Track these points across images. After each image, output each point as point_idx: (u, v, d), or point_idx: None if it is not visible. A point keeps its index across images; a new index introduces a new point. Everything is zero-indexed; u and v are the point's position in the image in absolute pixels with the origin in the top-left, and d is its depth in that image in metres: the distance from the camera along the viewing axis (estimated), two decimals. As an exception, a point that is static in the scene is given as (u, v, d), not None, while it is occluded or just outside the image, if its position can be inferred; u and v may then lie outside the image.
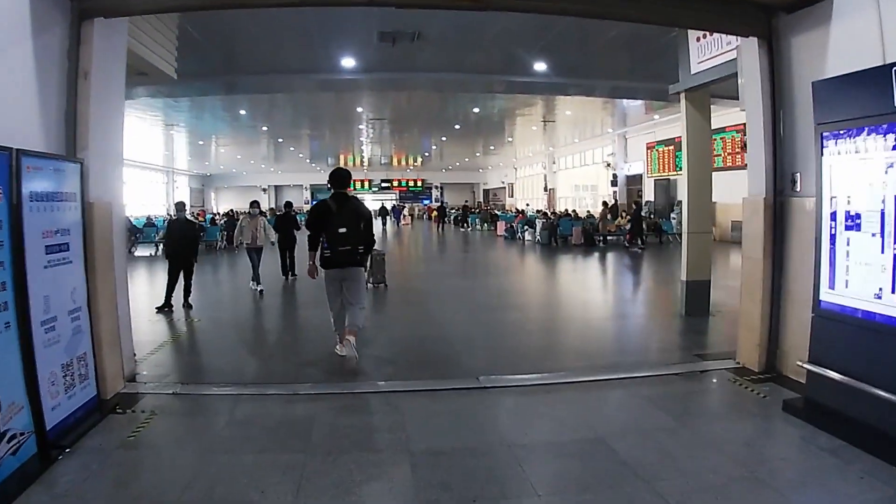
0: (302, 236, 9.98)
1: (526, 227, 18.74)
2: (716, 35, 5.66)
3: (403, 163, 36.76)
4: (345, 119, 19.25)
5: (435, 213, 31.38)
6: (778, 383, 4.17)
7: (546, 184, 32.41)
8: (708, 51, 5.87)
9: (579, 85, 9.17)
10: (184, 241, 7.27)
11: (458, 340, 5.77)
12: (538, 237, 17.21)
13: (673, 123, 18.96)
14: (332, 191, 4.75)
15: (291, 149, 28.39)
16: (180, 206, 7.50)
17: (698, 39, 6.02)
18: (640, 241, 15.48)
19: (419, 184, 46.05)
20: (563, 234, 16.82)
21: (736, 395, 4.07)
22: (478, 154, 32.77)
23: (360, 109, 17.33)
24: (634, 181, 23.14)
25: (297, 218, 10.55)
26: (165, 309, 7.04)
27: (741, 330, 4.74)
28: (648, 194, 21.57)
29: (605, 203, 17.48)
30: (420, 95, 15.06)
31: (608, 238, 16.77)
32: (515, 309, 7.57)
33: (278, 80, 9.05)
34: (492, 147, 29.37)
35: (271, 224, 9.87)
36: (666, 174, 20.23)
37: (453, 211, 33.84)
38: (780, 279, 4.44)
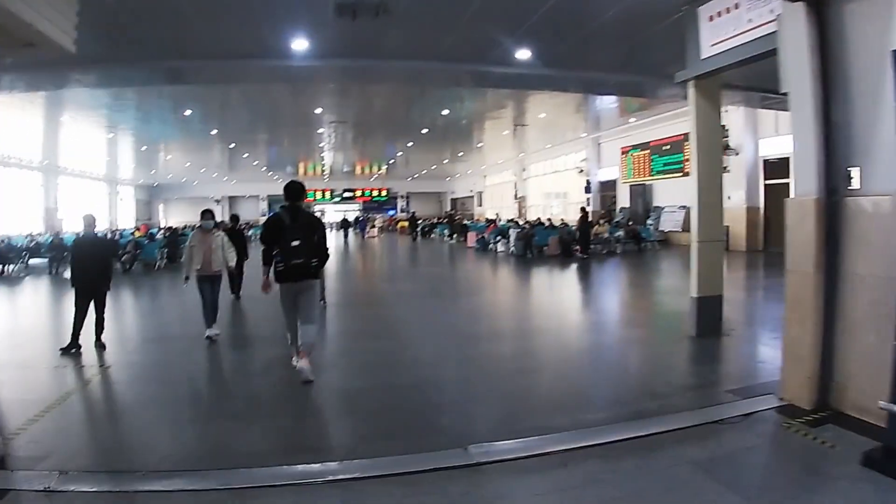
0: (252, 252, 8.78)
1: (499, 238, 17.86)
2: (734, 12, 4.88)
3: (367, 171, 35.39)
4: (303, 122, 17.91)
5: (406, 224, 30.07)
6: (838, 425, 3.49)
7: (517, 191, 31.74)
8: (723, 31, 5.06)
9: (562, 77, 8.30)
10: (93, 265, 5.87)
11: (436, 386, 4.63)
12: (512, 248, 16.35)
13: (649, 126, 18.61)
14: (287, 203, 4.68)
15: (245, 155, 26.48)
16: (89, 221, 6.03)
17: (711, 19, 5.21)
18: (586, 249, 15.02)
19: (384, 193, 44.59)
20: (538, 245, 16.00)
21: (798, 448, 3.28)
22: (445, 161, 31.67)
23: (319, 110, 16.10)
24: (608, 187, 22.71)
25: (249, 234, 9.21)
26: (72, 350, 5.67)
27: (786, 360, 3.99)
28: (623, 200, 21.12)
29: (582, 209, 16.72)
30: (385, 96, 14.03)
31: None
32: (499, 338, 6.46)
33: (224, 68, 7.67)
34: (460, 153, 28.41)
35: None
36: (641, 179, 19.81)
37: (420, 222, 32.41)
38: (836, 298, 3.71)
